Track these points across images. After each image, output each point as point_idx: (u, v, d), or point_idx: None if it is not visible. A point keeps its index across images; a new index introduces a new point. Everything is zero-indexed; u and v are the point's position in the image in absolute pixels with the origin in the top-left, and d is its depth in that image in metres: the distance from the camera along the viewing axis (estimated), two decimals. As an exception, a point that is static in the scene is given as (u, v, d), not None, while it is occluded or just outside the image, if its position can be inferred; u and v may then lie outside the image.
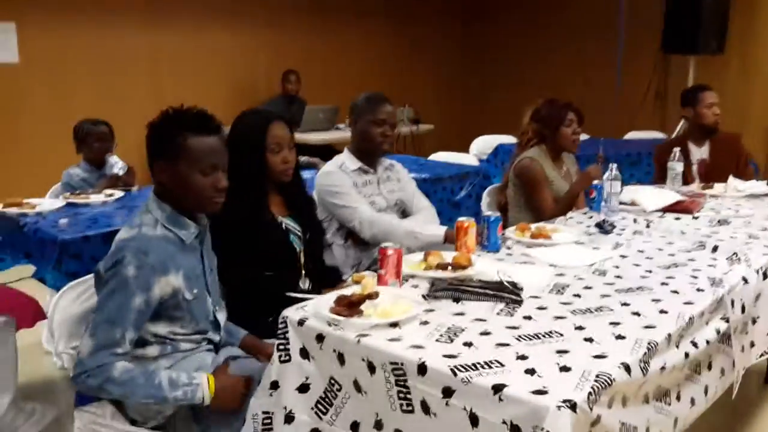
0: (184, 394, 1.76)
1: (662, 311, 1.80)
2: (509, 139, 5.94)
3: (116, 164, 3.48)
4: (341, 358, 1.64)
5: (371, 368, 1.58)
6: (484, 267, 2.10)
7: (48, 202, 3.17)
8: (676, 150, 3.51)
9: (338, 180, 2.85)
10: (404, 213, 3.06)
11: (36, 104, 5.58)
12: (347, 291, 1.85)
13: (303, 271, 2.47)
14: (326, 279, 2.53)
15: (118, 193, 3.33)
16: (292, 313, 1.78)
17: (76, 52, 5.77)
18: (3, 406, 2.52)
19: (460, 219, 2.35)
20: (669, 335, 1.66)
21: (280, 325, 1.78)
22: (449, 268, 2.07)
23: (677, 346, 1.71)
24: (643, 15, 6.96)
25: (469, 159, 4.87)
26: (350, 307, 1.72)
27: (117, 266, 1.74)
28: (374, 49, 8.10)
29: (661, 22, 6.36)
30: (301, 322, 1.74)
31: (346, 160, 2.94)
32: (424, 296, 1.89)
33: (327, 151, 5.50)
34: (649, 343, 1.58)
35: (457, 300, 1.87)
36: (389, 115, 2.91)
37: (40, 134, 5.58)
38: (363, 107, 2.91)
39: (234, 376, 1.87)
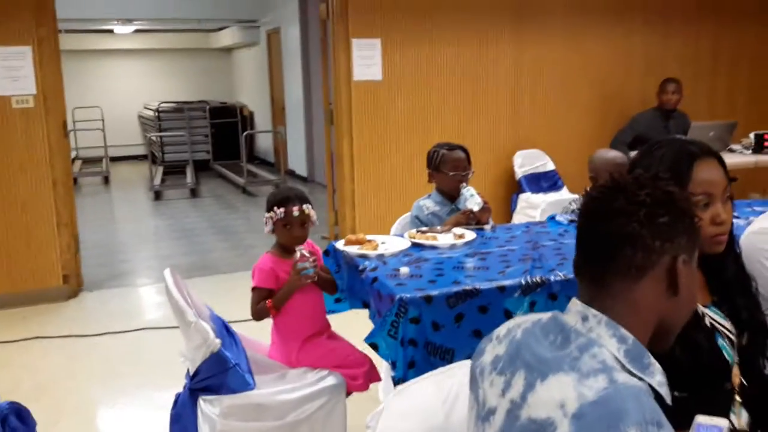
0: None
1: None
2: None
3: (471, 198, 2.93)
4: None
5: None
6: None
7: (391, 242, 2.72)
8: None
9: None
10: None
11: (396, 123, 5.43)
12: None
13: (737, 397, 1.57)
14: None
15: (470, 234, 2.76)
16: None
17: (435, 69, 5.51)
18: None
19: None
20: None
21: None
22: None
23: None
24: None
25: None
26: None
27: None
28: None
29: None
30: None
31: None
32: None
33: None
34: None
35: None
36: None
37: (398, 154, 5.44)
38: None
39: None
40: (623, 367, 1.07)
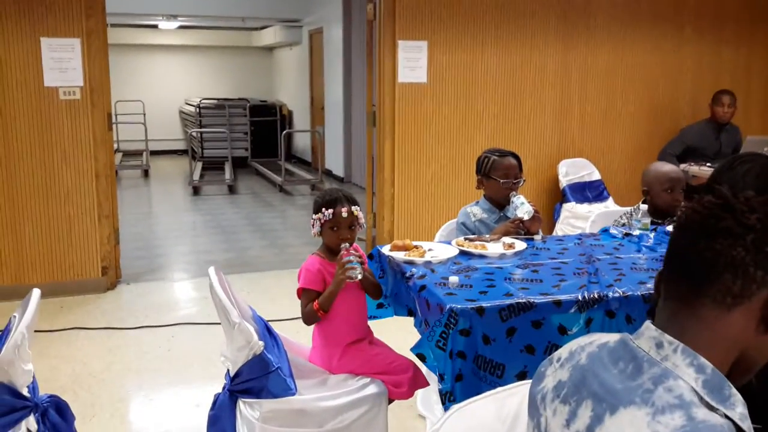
0: None
1: None
2: None
3: (521, 206, 2.83)
4: None
5: None
6: None
7: (439, 249, 2.65)
8: None
9: None
10: None
11: (439, 126, 5.35)
12: None
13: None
14: None
15: (519, 245, 2.67)
16: None
17: (480, 73, 5.41)
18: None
19: None
20: None
21: None
22: None
23: None
24: None
25: None
26: None
27: None
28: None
29: None
30: None
31: None
32: None
33: None
34: None
35: None
36: None
37: (440, 159, 5.36)
38: None
39: None
40: (701, 399, 0.98)
